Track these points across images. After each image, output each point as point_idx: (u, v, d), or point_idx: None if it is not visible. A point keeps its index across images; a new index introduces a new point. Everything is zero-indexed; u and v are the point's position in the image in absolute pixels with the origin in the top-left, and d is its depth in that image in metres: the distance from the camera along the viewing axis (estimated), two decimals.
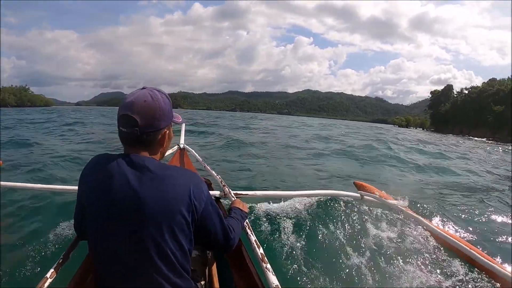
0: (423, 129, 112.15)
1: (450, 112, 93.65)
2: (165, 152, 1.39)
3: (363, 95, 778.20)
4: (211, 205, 1.29)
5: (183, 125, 5.09)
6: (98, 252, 1.22)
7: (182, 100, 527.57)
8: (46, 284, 1.36)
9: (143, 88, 1.29)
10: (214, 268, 1.87)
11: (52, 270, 1.43)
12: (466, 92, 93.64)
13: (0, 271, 2.51)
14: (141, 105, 1.21)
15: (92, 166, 1.28)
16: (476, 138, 55.99)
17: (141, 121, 1.19)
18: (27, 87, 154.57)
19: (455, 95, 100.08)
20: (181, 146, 4.31)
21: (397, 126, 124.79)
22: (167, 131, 1.29)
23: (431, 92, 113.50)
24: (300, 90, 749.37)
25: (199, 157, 4.14)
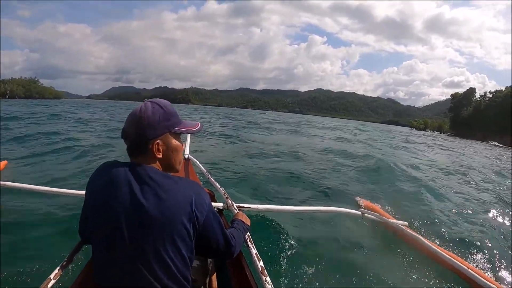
0: (440, 132, 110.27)
1: (473, 117, 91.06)
2: (174, 164, 1.37)
3: (375, 95, 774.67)
4: (212, 214, 1.32)
5: (189, 135, 4.91)
6: (99, 258, 1.24)
7: (193, 95, 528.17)
8: (50, 285, 1.40)
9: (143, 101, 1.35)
10: (215, 278, 1.87)
11: (56, 271, 1.47)
12: (490, 96, 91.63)
13: (0, 271, 2.54)
14: (130, 117, 1.29)
15: (99, 172, 1.31)
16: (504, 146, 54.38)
17: (128, 132, 1.27)
18: (36, 79, 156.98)
19: (477, 99, 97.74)
20: (186, 156, 4.27)
21: (414, 128, 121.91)
22: (160, 142, 1.28)
23: (452, 95, 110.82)
24: (312, 89, 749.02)
25: (203, 168, 4.06)
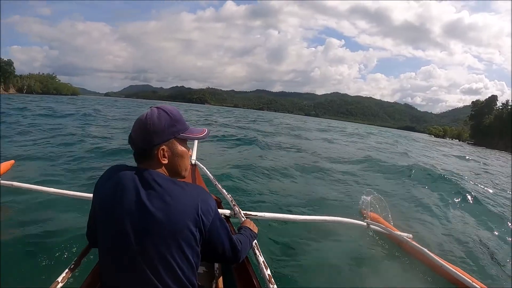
0: (459, 140, 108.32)
1: (495, 125, 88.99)
2: (180, 170, 1.37)
3: (392, 101, 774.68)
4: (219, 220, 1.32)
5: (196, 141, 4.86)
6: (105, 262, 1.25)
7: (209, 96, 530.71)
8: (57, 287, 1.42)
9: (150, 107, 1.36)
10: (221, 286, 1.87)
11: (63, 274, 1.49)
12: None
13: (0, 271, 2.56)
14: (136, 123, 1.30)
15: (106, 176, 1.32)
16: None
17: (136, 139, 1.29)
18: (54, 75, 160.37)
19: (500, 107, 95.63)
20: (193, 162, 4.22)
21: (433, 136, 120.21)
22: (165, 148, 1.29)
23: (473, 102, 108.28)
24: (329, 92, 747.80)
25: (210, 174, 4.03)
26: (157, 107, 1.33)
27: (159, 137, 1.27)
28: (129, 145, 1.34)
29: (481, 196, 7.89)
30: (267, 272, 1.67)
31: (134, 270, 1.16)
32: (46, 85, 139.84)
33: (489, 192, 9.20)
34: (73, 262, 1.57)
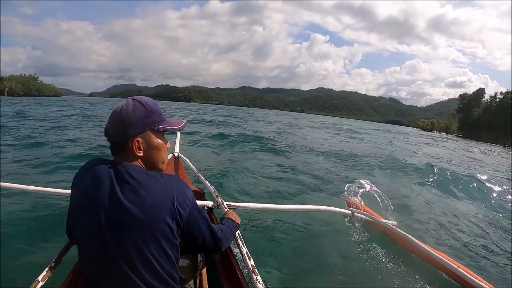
0: (446, 133, 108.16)
1: (483, 118, 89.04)
2: (156, 163, 1.33)
3: (377, 95, 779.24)
4: (196, 210, 1.29)
5: (179, 132, 4.68)
6: (84, 258, 1.23)
7: (195, 94, 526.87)
8: (38, 287, 1.40)
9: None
10: (205, 277, 1.88)
11: (44, 273, 1.47)
12: (501, 97, 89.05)
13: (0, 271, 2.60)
14: (111, 115, 1.27)
15: (83, 170, 1.28)
16: None
17: (110, 131, 1.25)
18: (36, 76, 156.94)
19: (488, 100, 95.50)
20: (176, 154, 4.15)
21: (420, 129, 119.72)
22: (140, 140, 1.25)
23: (460, 96, 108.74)
24: (314, 88, 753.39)
25: (193, 166, 3.97)
26: (132, 99, 1.29)
27: (133, 129, 1.24)
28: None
29: None
30: (251, 262, 1.66)
31: (112, 266, 1.13)
32: (28, 87, 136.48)
33: None
34: (53, 260, 1.54)
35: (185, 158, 4.23)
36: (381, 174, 9.46)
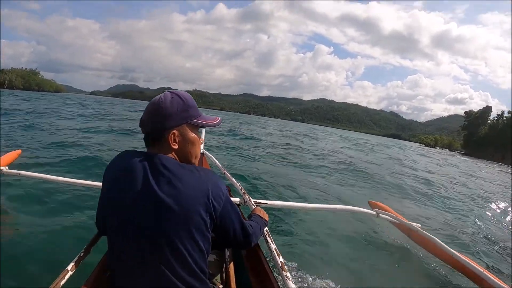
0: (449, 150, 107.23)
1: (490, 136, 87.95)
2: (189, 157, 1.33)
3: (378, 108, 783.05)
4: (230, 204, 1.29)
5: (203, 130, 4.73)
6: (114, 249, 1.22)
7: (196, 98, 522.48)
8: (67, 277, 1.41)
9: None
10: (232, 272, 1.81)
11: (72, 263, 1.48)
12: (509, 115, 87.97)
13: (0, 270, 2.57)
14: (149, 106, 1.28)
15: (116, 162, 1.29)
16: None
17: (147, 121, 1.26)
18: (37, 70, 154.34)
19: (495, 118, 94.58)
20: (201, 151, 3.69)
21: (423, 145, 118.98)
22: (176, 132, 1.25)
23: (466, 112, 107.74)
24: (315, 98, 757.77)
25: (218, 163, 4.06)
26: (170, 92, 1.30)
27: (171, 121, 1.24)
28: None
29: None
30: (280, 259, 1.66)
31: (143, 258, 1.12)
32: (28, 81, 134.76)
33: None
34: (82, 251, 1.56)
35: (210, 155, 4.33)
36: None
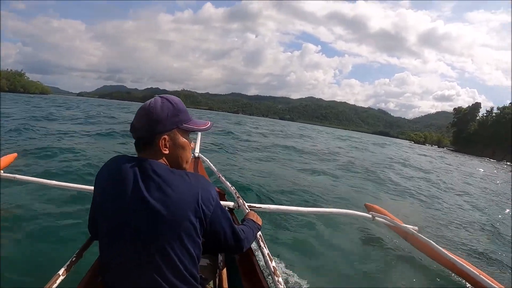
0: (438, 146, 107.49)
1: (479, 133, 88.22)
2: (180, 162, 1.33)
3: (366, 106, 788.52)
4: (220, 209, 1.30)
5: (199, 133, 4.90)
6: (105, 255, 1.23)
7: (184, 98, 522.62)
8: (58, 281, 1.41)
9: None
10: (225, 277, 1.86)
11: (64, 267, 1.48)
12: (498, 111, 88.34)
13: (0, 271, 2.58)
14: (139, 111, 1.28)
15: (107, 167, 1.30)
16: None
17: (138, 126, 1.26)
18: (22, 71, 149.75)
19: (484, 115, 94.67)
20: (196, 154, 4.28)
21: (413, 142, 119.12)
22: (167, 137, 1.26)
23: (455, 109, 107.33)
24: (303, 96, 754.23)
25: (213, 167, 4.06)
26: (160, 96, 1.31)
27: (161, 126, 1.25)
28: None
29: None
30: (272, 264, 1.67)
31: (134, 264, 1.13)
32: (13, 83, 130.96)
33: None
34: (74, 255, 1.56)
35: (205, 158, 4.35)
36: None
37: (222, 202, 1.96)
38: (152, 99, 1.29)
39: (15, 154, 4.53)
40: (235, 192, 2.85)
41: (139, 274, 1.12)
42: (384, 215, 3.69)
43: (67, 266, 1.48)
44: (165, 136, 1.25)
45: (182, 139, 1.31)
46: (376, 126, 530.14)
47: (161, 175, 1.17)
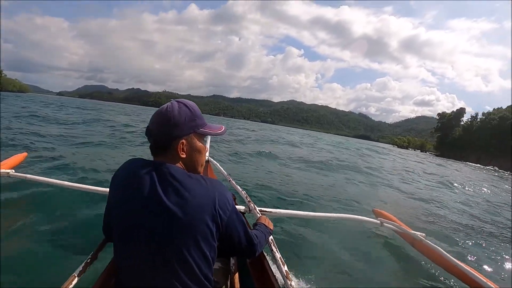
0: (421, 151, 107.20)
1: (464, 138, 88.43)
2: (196, 166, 1.35)
3: (347, 110, 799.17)
4: (235, 214, 1.30)
5: (209, 137, 4.70)
6: (120, 257, 1.23)
7: (165, 100, 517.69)
8: (74, 282, 1.42)
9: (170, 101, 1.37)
10: (237, 281, 1.85)
11: (80, 268, 1.49)
12: (483, 117, 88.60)
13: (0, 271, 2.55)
14: (155, 116, 1.29)
15: (122, 170, 1.30)
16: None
17: (154, 130, 1.26)
18: None
19: (469, 120, 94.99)
20: (206, 158, 3.99)
21: (396, 146, 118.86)
22: (185, 141, 1.26)
23: (439, 115, 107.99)
24: (285, 100, 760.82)
25: (223, 170, 4.07)
26: (177, 101, 1.31)
27: (179, 131, 1.25)
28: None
29: None
30: (285, 268, 1.67)
31: (149, 266, 1.14)
32: None
33: None
34: (89, 257, 1.57)
35: (215, 162, 4.40)
36: None
37: None
38: (169, 103, 1.29)
39: (25, 154, 4.59)
40: (246, 196, 2.84)
41: (154, 276, 1.12)
42: (392, 221, 3.69)
43: (82, 267, 1.50)
44: (183, 141, 1.25)
45: (199, 143, 1.31)
46: (357, 130, 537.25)
47: (178, 179, 1.17)
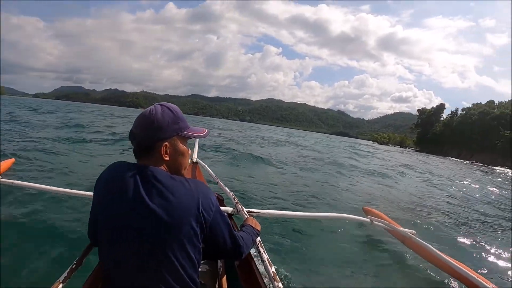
0: (401, 147, 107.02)
1: (444, 133, 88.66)
2: (180, 168, 1.35)
3: (325, 107, 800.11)
4: (220, 215, 1.32)
5: (197, 140, 4.88)
6: (106, 261, 1.24)
7: (143, 100, 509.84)
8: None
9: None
10: (225, 283, 1.84)
11: (65, 274, 1.47)
12: (463, 112, 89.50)
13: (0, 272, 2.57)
14: (138, 119, 1.30)
15: (107, 173, 1.30)
16: (497, 167, 49.46)
17: (137, 133, 1.27)
18: None
19: (449, 116, 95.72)
20: (194, 160, 4.23)
21: (376, 142, 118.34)
22: (168, 144, 1.28)
23: (419, 110, 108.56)
24: (264, 98, 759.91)
25: (212, 172, 4.03)
26: (160, 104, 1.33)
27: (162, 133, 1.26)
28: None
29: None
30: (272, 269, 1.67)
31: (135, 269, 1.14)
32: None
33: None
34: (74, 262, 1.56)
35: (203, 164, 4.34)
36: None
37: (221, 208, 1.85)
38: (152, 107, 1.30)
39: (13, 160, 4.78)
40: (234, 198, 2.83)
41: (140, 276, 1.13)
42: (382, 219, 3.71)
43: (67, 273, 1.47)
44: (166, 143, 1.26)
45: (182, 146, 1.32)
46: (336, 127, 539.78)
47: (162, 181, 1.18)
